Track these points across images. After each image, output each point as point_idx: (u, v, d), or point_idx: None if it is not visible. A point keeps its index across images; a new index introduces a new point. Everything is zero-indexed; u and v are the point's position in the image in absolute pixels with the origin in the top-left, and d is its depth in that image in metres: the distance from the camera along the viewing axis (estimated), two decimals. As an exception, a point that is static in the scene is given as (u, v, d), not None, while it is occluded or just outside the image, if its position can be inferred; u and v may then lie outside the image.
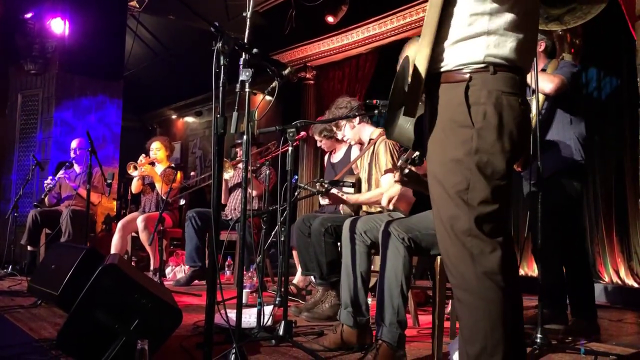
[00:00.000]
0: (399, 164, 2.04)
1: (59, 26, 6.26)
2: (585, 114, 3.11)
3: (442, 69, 1.54)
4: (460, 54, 1.51)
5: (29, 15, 6.25)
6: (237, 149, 5.11)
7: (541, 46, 3.12)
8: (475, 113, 1.46)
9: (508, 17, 1.47)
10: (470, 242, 1.44)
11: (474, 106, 1.47)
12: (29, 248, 5.34)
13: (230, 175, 4.88)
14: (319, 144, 4.24)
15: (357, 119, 3.33)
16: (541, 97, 2.92)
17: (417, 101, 1.54)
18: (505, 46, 1.48)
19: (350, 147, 3.97)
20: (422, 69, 1.51)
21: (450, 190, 1.48)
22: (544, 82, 2.89)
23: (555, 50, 3.19)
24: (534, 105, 2.95)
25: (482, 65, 1.48)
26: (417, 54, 1.52)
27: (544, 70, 3.04)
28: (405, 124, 1.67)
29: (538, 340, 2.42)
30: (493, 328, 1.41)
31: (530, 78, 2.93)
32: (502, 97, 1.47)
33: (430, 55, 1.51)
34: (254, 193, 4.69)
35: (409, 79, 1.55)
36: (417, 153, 1.96)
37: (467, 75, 1.49)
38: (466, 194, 1.45)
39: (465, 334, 1.47)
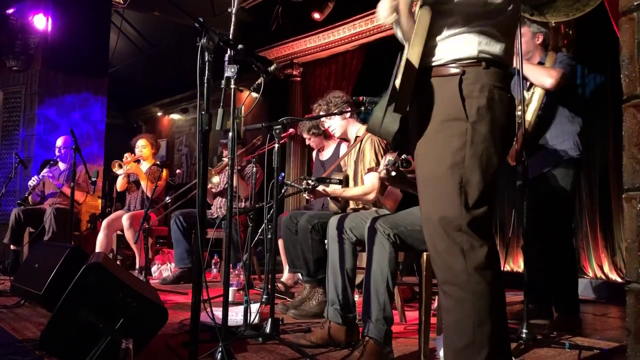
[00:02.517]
0: (386, 167, 2.05)
1: (41, 22, 6.18)
2: (583, 109, 3.08)
3: (433, 64, 1.55)
4: (453, 49, 1.53)
5: (11, 11, 6.16)
6: (223, 149, 5.07)
7: (539, 39, 3.07)
8: (469, 106, 1.48)
9: (500, 18, 1.51)
10: (461, 237, 1.45)
11: (468, 99, 1.48)
12: (12, 247, 5.27)
13: (216, 181, 4.82)
14: (307, 142, 4.23)
15: (348, 113, 3.33)
16: (541, 91, 2.90)
17: (409, 98, 1.53)
18: (495, 45, 1.53)
19: (339, 144, 3.97)
20: (416, 64, 1.50)
21: (444, 184, 1.48)
22: (543, 76, 2.85)
23: (549, 43, 3.16)
24: (535, 101, 2.95)
25: (475, 60, 1.51)
26: (409, 50, 1.51)
27: (541, 63, 2.99)
28: (381, 116, 1.62)
29: (524, 336, 2.45)
30: (481, 323, 1.42)
31: (531, 73, 2.92)
32: (494, 91, 1.50)
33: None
34: (242, 196, 4.67)
35: (400, 75, 1.53)
36: (404, 156, 1.98)
37: (461, 69, 1.50)
38: (461, 188, 1.46)
39: (452, 328, 1.47)
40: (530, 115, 2.91)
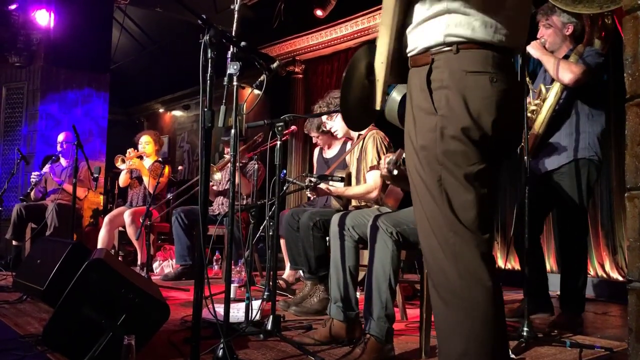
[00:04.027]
0: (388, 166, 2.04)
1: (44, 18, 6.18)
2: (606, 108, 2.94)
3: (409, 53, 1.49)
4: (422, 37, 1.42)
5: (13, 7, 6.16)
6: (225, 146, 5.07)
7: (569, 29, 2.93)
8: (438, 99, 1.36)
9: None
10: (453, 238, 1.35)
11: (436, 91, 1.37)
12: (14, 243, 5.28)
13: (218, 177, 4.83)
14: (315, 140, 4.22)
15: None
16: (559, 86, 2.79)
17: (381, 92, 1.49)
18: (469, 24, 1.36)
19: (345, 142, 3.97)
20: (383, 56, 1.46)
21: (426, 181, 1.38)
22: (564, 71, 2.73)
23: (584, 35, 2.92)
24: (552, 96, 2.85)
25: (443, 45, 1.38)
26: (377, 43, 1.48)
27: (566, 57, 2.87)
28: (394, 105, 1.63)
29: (524, 334, 2.44)
30: (477, 328, 1.32)
31: (550, 66, 2.79)
32: (466, 77, 1.34)
33: (396, 39, 1.47)
34: (243, 193, 4.67)
35: (376, 70, 1.50)
36: (405, 154, 1.97)
37: (430, 58, 1.40)
38: (439, 185, 1.36)
39: (445, 334, 1.38)
40: (545, 110, 2.83)
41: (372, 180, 2.94)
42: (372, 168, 2.95)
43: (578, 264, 2.91)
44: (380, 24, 1.46)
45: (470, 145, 1.34)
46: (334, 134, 3.51)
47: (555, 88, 2.85)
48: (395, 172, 2.01)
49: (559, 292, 3.00)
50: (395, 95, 1.64)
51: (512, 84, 1.39)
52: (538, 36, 2.98)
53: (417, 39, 1.44)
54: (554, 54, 2.91)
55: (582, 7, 2.66)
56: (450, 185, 1.35)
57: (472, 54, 1.36)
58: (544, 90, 2.87)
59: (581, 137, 2.85)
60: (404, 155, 1.98)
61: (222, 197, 4.98)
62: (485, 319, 1.33)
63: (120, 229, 5.20)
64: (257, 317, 2.63)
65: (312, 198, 3.35)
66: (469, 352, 1.32)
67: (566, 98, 2.87)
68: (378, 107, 1.56)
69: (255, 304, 2.72)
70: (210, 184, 4.79)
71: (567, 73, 2.74)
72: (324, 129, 3.96)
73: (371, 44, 1.57)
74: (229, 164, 4.38)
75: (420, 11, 1.43)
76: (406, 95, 1.51)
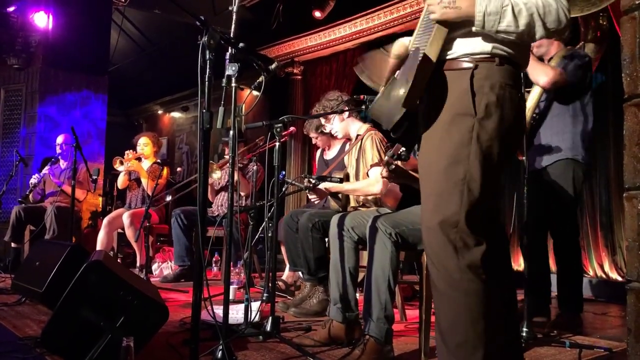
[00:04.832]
0: (385, 159, 2.04)
1: (42, 20, 6.18)
2: (593, 110, 2.94)
3: (447, 57, 1.53)
4: (468, 44, 1.51)
5: (11, 9, 6.16)
6: (225, 147, 5.07)
7: None
8: (479, 102, 1.46)
9: None
10: (455, 235, 1.43)
11: (478, 95, 1.46)
12: (12, 245, 5.27)
13: (218, 176, 4.84)
14: (314, 141, 4.21)
15: (346, 113, 3.32)
16: (538, 89, 2.81)
17: (421, 93, 1.51)
18: (511, 43, 1.50)
19: (345, 143, 3.96)
20: (434, 59, 1.49)
21: (447, 180, 1.46)
22: (540, 74, 2.75)
23: (578, 37, 2.95)
24: (531, 98, 2.87)
25: (489, 55, 1.49)
26: (428, 47, 1.49)
27: (549, 60, 2.90)
28: (386, 104, 1.60)
29: (524, 334, 2.45)
30: (474, 321, 1.40)
31: (529, 69, 2.82)
32: (505, 88, 1.47)
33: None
34: (242, 193, 4.67)
35: (415, 67, 1.51)
36: (403, 149, 1.96)
37: (474, 64, 1.48)
38: (463, 184, 1.44)
39: (444, 326, 1.46)
40: (526, 110, 2.86)
41: (373, 177, 2.92)
42: (373, 165, 2.94)
43: (572, 265, 2.94)
44: (435, 30, 1.49)
45: (498, 150, 1.46)
46: (334, 134, 3.51)
47: (536, 90, 2.86)
48: (393, 165, 2.01)
49: (556, 293, 3.02)
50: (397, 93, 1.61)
51: (524, 101, 1.62)
52: None
53: (460, 44, 1.52)
54: (544, 57, 2.93)
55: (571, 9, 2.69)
56: (474, 184, 1.43)
57: (509, 69, 1.50)
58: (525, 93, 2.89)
59: (565, 138, 2.87)
60: (400, 150, 1.98)
61: (221, 198, 4.98)
62: (485, 313, 1.40)
63: (119, 230, 5.20)
64: (257, 319, 2.63)
65: (312, 200, 3.35)
66: (468, 341, 1.40)
67: (547, 99, 2.90)
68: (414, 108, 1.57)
69: (255, 305, 2.72)
70: (210, 181, 4.78)
71: (543, 76, 2.76)
72: (323, 130, 3.96)
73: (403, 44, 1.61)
74: (228, 164, 4.38)
75: (469, 23, 1.48)
76: (429, 96, 1.55)
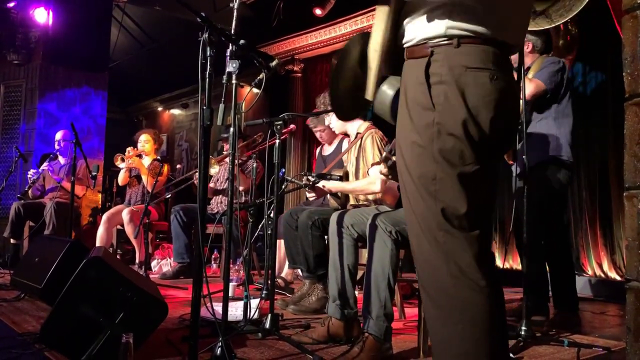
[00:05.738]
0: (383, 155, 2.05)
1: (42, 16, 6.17)
2: (573, 111, 3.06)
3: (406, 44, 1.40)
4: (422, 27, 1.34)
5: (11, 5, 6.15)
6: (224, 143, 5.07)
7: (528, 47, 3.07)
8: (436, 94, 1.29)
9: None
10: (443, 237, 1.29)
11: (435, 85, 1.30)
12: (12, 241, 5.27)
13: (215, 171, 4.84)
14: (319, 135, 4.19)
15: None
16: None
17: (373, 85, 1.45)
18: (472, 17, 1.29)
19: (342, 140, 3.96)
20: (377, 44, 1.42)
21: (417, 180, 1.32)
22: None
23: (550, 45, 3.11)
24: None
25: (444, 38, 1.30)
26: (372, 29, 1.43)
27: (528, 69, 3.00)
28: (385, 96, 1.56)
29: (522, 333, 2.45)
30: (473, 332, 1.26)
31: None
32: (466, 73, 1.28)
33: (392, 27, 1.42)
34: (241, 188, 4.67)
35: (369, 58, 1.45)
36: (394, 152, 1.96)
37: (429, 50, 1.32)
38: (433, 185, 1.30)
39: (439, 339, 1.32)
40: None
41: (374, 175, 2.93)
42: (374, 164, 2.94)
43: (562, 263, 2.98)
44: (377, 9, 1.40)
45: (467, 144, 1.28)
46: (332, 129, 3.53)
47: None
48: (390, 162, 2.01)
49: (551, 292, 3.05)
50: (387, 89, 1.54)
51: (510, 83, 1.34)
52: None
53: (416, 29, 1.36)
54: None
55: (540, 21, 2.79)
56: (443, 184, 1.29)
57: (473, 49, 1.29)
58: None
59: (550, 139, 2.96)
60: None
61: (220, 196, 4.98)
62: (483, 322, 1.26)
63: (119, 227, 5.20)
64: (256, 316, 2.63)
65: (311, 198, 3.35)
66: (468, 355, 1.26)
67: (526, 110, 2.95)
68: (370, 97, 1.50)
69: (254, 302, 2.72)
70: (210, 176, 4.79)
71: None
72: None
73: (365, 32, 1.52)
74: (227, 158, 4.38)
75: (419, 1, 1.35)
76: (400, 89, 1.44)
